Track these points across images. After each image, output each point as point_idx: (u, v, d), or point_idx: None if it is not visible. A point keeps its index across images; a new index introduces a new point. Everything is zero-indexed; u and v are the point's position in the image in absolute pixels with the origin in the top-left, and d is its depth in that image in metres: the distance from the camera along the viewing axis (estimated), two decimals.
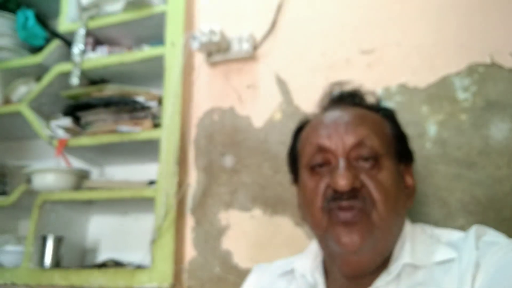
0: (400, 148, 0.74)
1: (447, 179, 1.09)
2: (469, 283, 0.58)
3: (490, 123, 1.10)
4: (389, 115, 0.78)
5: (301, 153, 0.77)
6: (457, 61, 1.17)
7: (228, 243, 1.25)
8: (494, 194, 1.06)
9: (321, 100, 0.84)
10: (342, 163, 0.67)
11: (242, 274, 1.19)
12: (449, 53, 1.18)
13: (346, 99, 0.79)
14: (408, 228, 0.73)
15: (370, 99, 0.80)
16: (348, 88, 0.82)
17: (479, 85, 1.13)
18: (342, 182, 0.65)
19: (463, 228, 1.06)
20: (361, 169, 0.68)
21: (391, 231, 0.69)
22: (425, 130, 1.14)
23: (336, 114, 0.74)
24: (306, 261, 0.78)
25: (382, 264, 0.69)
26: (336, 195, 0.66)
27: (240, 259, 1.22)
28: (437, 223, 1.06)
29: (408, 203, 0.74)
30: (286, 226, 1.20)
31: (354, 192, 0.66)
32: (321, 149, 0.70)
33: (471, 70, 1.15)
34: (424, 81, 1.18)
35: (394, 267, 0.66)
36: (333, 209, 0.67)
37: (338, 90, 0.82)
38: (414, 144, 1.08)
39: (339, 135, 0.69)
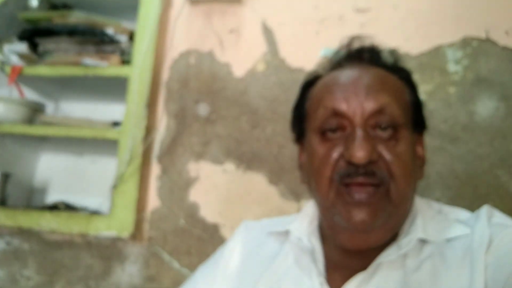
0: (416, 117, 0.69)
1: (429, 151, 1.07)
2: (482, 260, 0.56)
3: (477, 99, 1.08)
4: (408, 79, 0.72)
5: (311, 114, 0.69)
6: (453, 31, 1.13)
7: (196, 195, 1.18)
8: (473, 170, 1.06)
9: (335, 53, 0.74)
10: (359, 132, 0.60)
11: (209, 229, 1.14)
12: (445, 23, 1.14)
13: (365, 56, 0.70)
14: (417, 202, 0.69)
15: (388, 58, 0.73)
16: (367, 43, 0.73)
17: (471, 59, 1.11)
18: (359, 154, 0.58)
19: (438, 200, 1.07)
20: (378, 139, 0.61)
21: (406, 207, 0.64)
22: None
23: (354, 74, 0.66)
24: (302, 224, 0.73)
25: (390, 238, 0.65)
26: (351, 170, 0.60)
27: (207, 213, 1.17)
28: None
29: (419, 175, 0.69)
30: (260, 184, 1.15)
31: (371, 166, 0.59)
32: (337, 114, 0.63)
33: (465, 42, 1.12)
34: (416, 48, 1.14)
35: (406, 242, 0.62)
36: (347, 186, 0.61)
37: (357, 45, 0.73)
38: None
39: (358, 100, 0.62)
